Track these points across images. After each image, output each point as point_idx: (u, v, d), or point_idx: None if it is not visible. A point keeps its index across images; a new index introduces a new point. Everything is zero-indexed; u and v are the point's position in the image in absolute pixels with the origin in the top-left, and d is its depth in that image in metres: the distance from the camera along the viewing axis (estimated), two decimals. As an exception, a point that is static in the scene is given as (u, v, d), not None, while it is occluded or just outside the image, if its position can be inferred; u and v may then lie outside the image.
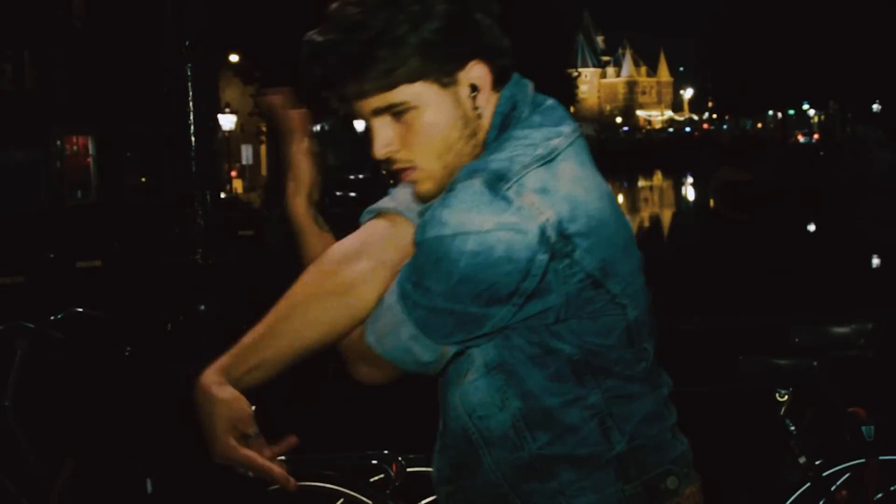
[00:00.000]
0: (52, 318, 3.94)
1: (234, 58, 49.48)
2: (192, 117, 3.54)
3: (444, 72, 1.85)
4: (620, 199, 68.33)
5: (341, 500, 3.63)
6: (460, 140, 1.88)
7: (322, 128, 68.52)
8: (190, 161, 3.56)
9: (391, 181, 1.99)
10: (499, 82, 1.92)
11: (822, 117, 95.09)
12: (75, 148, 48.05)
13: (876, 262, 27.62)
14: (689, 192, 74.12)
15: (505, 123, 1.91)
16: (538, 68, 59.30)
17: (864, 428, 3.48)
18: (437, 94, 1.85)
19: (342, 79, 1.84)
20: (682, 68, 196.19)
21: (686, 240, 39.62)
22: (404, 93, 1.84)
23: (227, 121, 46.93)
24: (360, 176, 49.38)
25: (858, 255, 27.79)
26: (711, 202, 60.48)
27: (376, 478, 3.62)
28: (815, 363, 3.50)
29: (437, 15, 1.81)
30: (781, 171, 56.21)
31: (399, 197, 1.98)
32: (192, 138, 3.50)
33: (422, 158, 1.88)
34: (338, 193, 40.63)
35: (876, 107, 66.71)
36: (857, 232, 33.54)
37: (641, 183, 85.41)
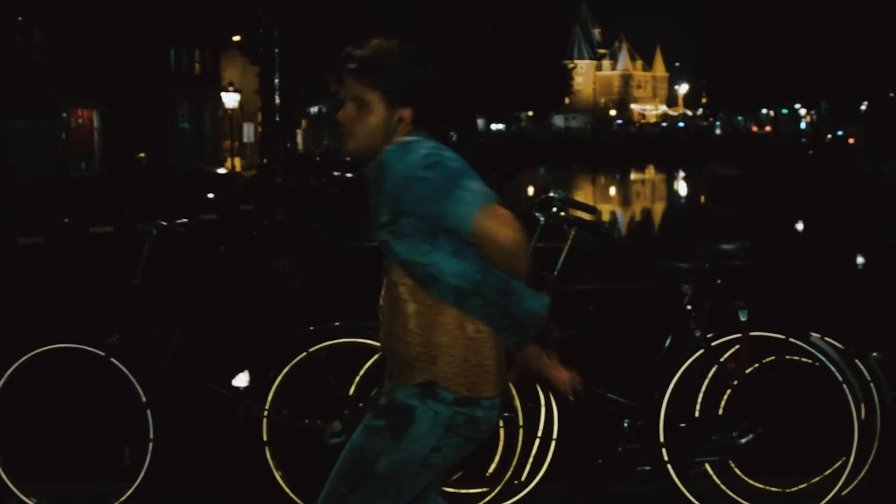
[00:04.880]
0: (164, 223, 5.41)
1: (236, 38, 50.50)
2: (277, 89, 4.97)
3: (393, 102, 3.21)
4: (612, 191, 69.48)
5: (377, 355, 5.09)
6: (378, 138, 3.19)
7: (320, 110, 69.73)
8: (274, 115, 4.99)
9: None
10: (417, 122, 3.24)
11: (814, 116, 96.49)
12: (80, 120, 49.08)
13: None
14: (681, 187, 75.09)
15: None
16: (533, 59, 60.36)
17: (740, 312, 4.97)
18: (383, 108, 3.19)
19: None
20: (678, 63, 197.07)
21: (672, 230, 40.93)
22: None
23: (230, 99, 47.86)
24: (357, 158, 50.55)
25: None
26: (702, 197, 61.36)
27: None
28: (708, 266, 5.01)
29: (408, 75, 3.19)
30: (771, 168, 57.45)
31: None
32: (277, 102, 4.94)
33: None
34: (335, 174, 41.94)
35: (864, 108, 68.25)
36: (836, 229, 34.79)
37: (634, 176, 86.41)
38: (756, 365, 5.05)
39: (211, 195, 32.49)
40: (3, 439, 5.33)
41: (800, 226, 39.62)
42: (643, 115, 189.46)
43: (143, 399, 5.24)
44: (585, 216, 5.41)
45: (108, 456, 5.45)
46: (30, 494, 5.35)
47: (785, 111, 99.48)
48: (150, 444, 5.24)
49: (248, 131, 54.69)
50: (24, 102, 40.38)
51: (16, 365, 5.31)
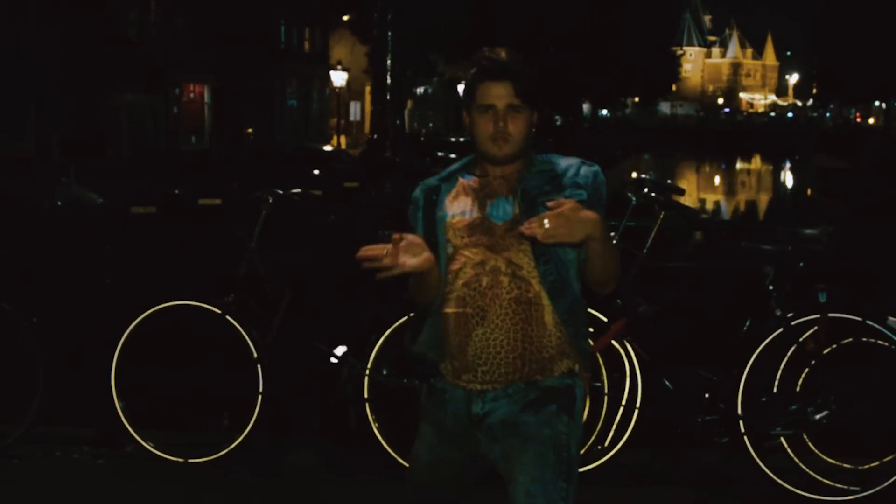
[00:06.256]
0: (280, 191, 5.81)
1: (346, 17, 51.03)
2: (389, 74, 5.31)
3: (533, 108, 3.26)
4: (717, 180, 68.74)
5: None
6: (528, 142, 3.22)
7: (426, 90, 70.17)
8: (385, 93, 5.34)
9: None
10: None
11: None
12: (192, 95, 50.13)
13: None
14: (787, 178, 73.90)
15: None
16: (641, 44, 59.94)
17: (820, 294, 5.19)
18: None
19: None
20: (789, 52, 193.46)
21: (775, 221, 40.44)
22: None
23: (338, 77, 48.33)
24: (461, 139, 50.93)
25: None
26: (808, 190, 60.32)
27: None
28: (790, 248, 5.24)
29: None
30: (880, 161, 56.27)
31: None
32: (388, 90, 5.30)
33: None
34: (439, 154, 42.24)
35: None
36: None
37: (739, 166, 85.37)
38: (834, 345, 5.27)
39: (316, 171, 33.01)
40: (126, 387, 5.78)
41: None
42: (751, 105, 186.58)
43: (255, 355, 5.66)
44: (675, 197, 5.67)
45: (219, 406, 5.86)
46: (147, 439, 5.80)
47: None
48: (259, 398, 5.65)
49: (355, 110, 55.28)
50: (139, 77, 41.38)
51: (139, 319, 5.75)
